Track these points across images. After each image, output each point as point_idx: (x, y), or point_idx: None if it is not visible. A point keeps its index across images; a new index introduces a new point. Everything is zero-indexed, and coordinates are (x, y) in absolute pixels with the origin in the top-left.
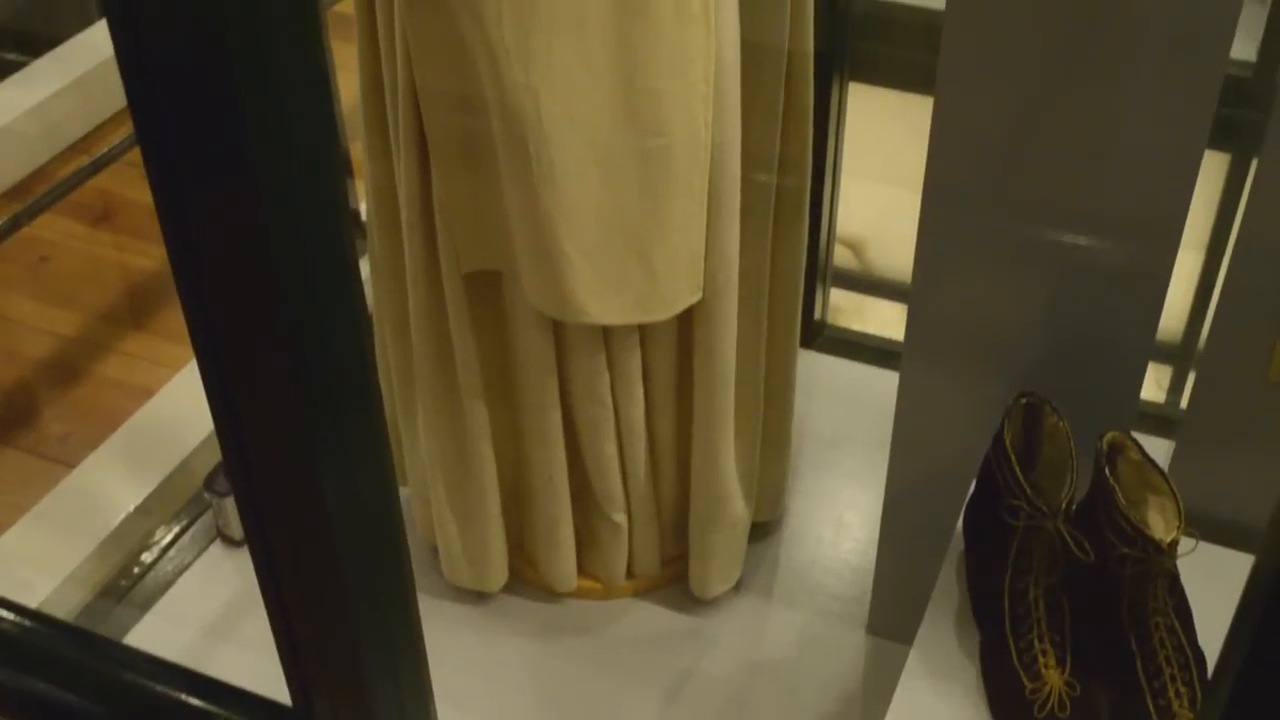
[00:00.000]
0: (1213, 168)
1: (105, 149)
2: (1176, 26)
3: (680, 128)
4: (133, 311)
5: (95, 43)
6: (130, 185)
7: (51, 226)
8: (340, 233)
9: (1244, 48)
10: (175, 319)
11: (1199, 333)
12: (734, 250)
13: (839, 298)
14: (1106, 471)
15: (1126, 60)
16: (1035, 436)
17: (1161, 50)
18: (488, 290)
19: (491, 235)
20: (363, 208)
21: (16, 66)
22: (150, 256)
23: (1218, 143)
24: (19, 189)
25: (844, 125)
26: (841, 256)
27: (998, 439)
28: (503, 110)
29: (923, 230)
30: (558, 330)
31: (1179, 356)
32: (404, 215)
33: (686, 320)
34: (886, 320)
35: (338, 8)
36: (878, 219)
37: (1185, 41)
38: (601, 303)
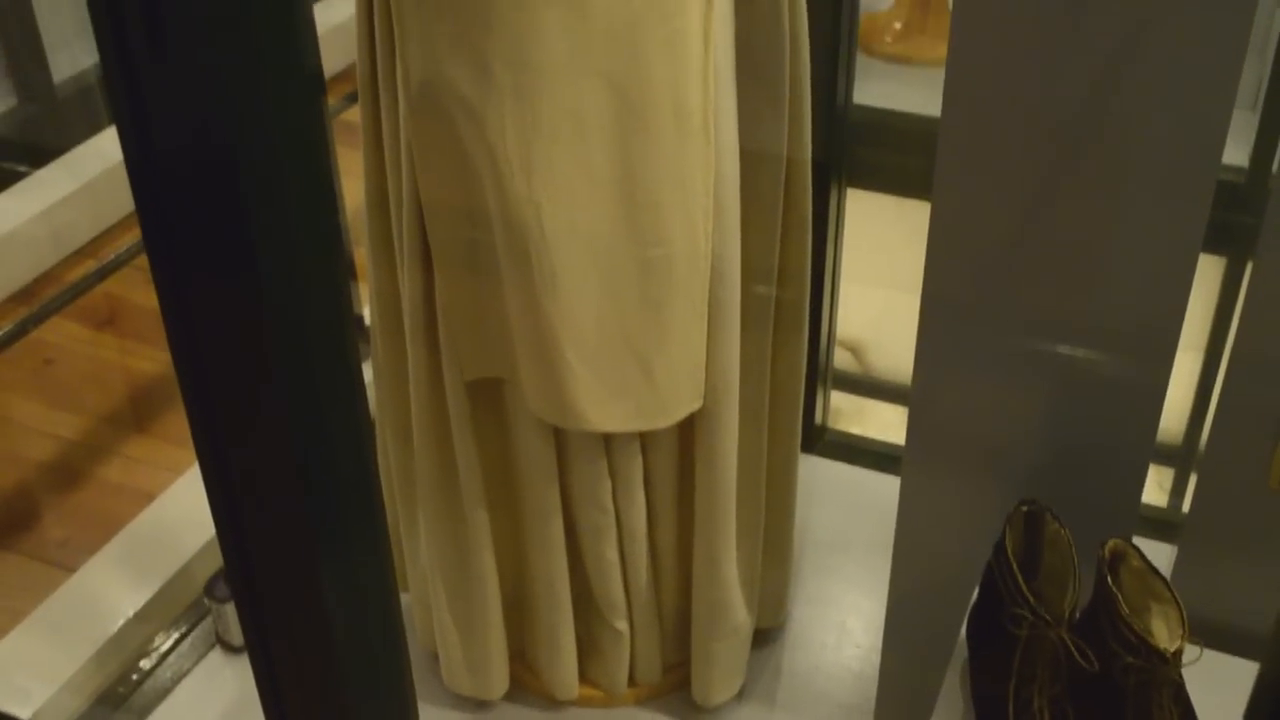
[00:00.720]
0: (1209, 271)
1: (112, 253)
2: (1169, 136)
3: (681, 238)
4: (135, 415)
5: (104, 149)
6: (135, 289)
7: (56, 329)
8: (344, 338)
9: (1236, 154)
10: (177, 422)
11: (1200, 435)
12: (735, 358)
13: (840, 400)
14: (1109, 580)
15: (1119, 169)
16: (1037, 544)
17: (1154, 159)
18: (490, 397)
19: (494, 343)
20: (366, 312)
21: (25, 177)
22: (154, 360)
23: (1214, 247)
24: (25, 292)
25: (843, 230)
26: (842, 359)
27: (999, 547)
28: (505, 221)
29: (921, 339)
30: (559, 437)
31: (1181, 458)
32: (407, 322)
33: (688, 427)
34: (888, 423)
35: (345, 115)
36: (877, 322)
37: (1177, 150)
38: (603, 410)
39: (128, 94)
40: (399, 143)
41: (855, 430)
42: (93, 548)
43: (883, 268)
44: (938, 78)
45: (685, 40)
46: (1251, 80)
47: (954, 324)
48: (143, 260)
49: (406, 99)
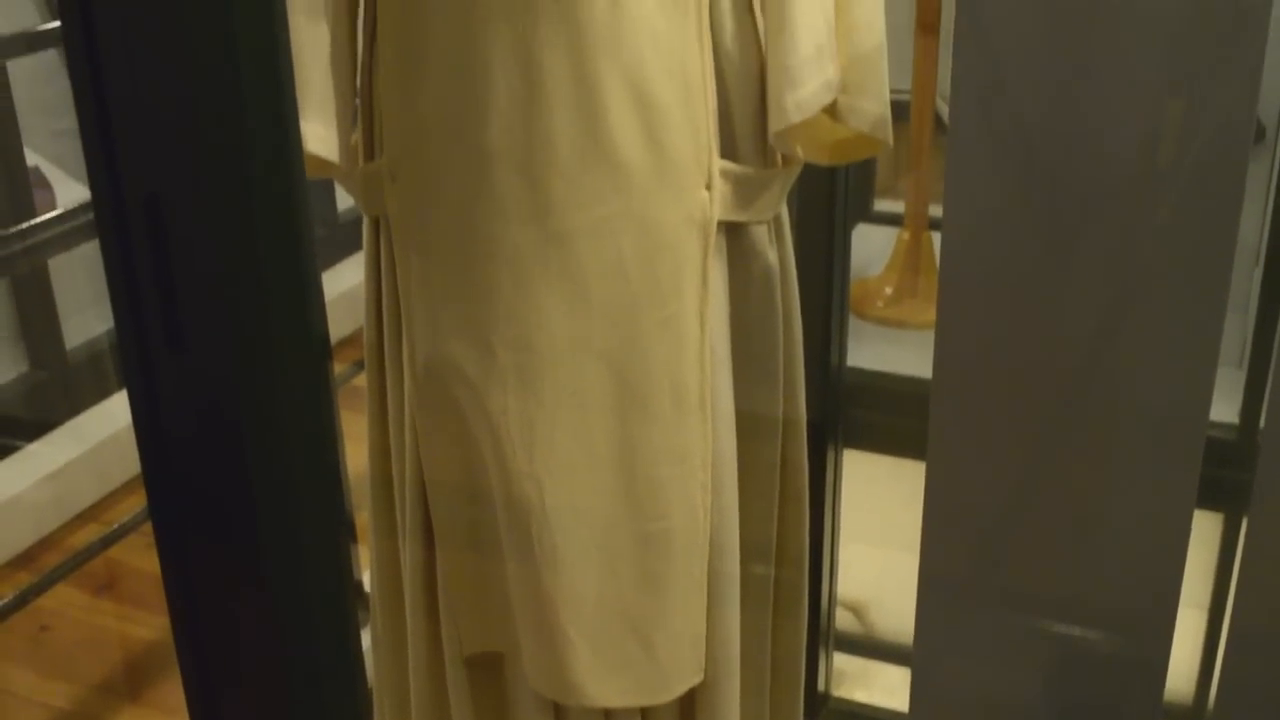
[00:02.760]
0: (1207, 528)
1: (115, 518)
2: (1155, 397)
3: (680, 513)
4: (130, 683)
5: (110, 413)
6: (135, 553)
7: (54, 595)
8: (344, 609)
9: (1226, 410)
10: (172, 692)
11: (1208, 695)
12: (735, 631)
13: (842, 662)
14: None
15: (1108, 432)
16: None
17: (1142, 420)
18: (489, 670)
19: (494, 617)
20: (366, 577)
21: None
22: (151, 627)
23: (1210, 503)
24: (25, 557)
25: (840, 491)
26: (844, 620)
27: None
28: (507, 497)
29: (921, 606)
30: (559, 712)
31: (1191, 718)
32: (407, 593)
33: (688, 700)
34: (892, 684)
35: (354, 380)
36: (878, 581)
37: (1164, 410)
38: (602, 685)
39: (142, 377)
40: (404, 415)
41: (860, 696)
42: None
43: (882, 527)
44: (930, 340)
45: (681, 323)
46: (1237, 338)
47: (952, 592)
48: (146, 527)
49: (411, 376)
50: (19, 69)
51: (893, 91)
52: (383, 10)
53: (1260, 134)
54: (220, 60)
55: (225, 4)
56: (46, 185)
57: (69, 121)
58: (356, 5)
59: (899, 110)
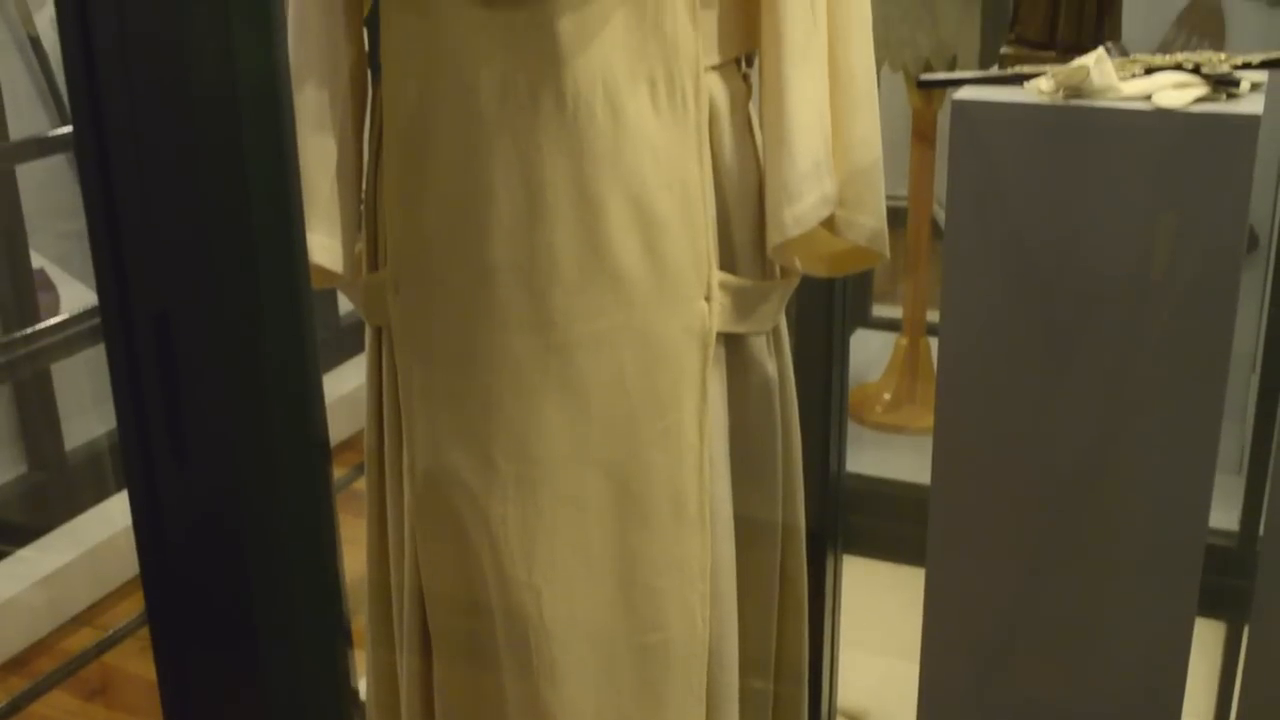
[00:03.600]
0: (1209, 636)
1: (109, 621)
2: (1154, 505)
3: (678, 623)
4: None
5: (108, 515)
6: (129, 658)
7: (47, 701)
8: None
9: (1227, 518)
10: None
11: None
12: None
13: None
14: None
15: (1108, 540)
16: None
17: (1141, 528)
18: None
19: None
20: (362, 685)
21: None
22: None
23: (1211, 611)
24: (17, 661)
25: (840, 598)
26: None
27: None
28: (505, 607)
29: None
30: None
31: None
32: (404, 705)
33: None
34: None
35: (354, 484)
36: (878, 690)
37: (1164, 519)
38: None
39: (144, 486)
40: (403, 522)
41: None
42: None
43: (882, 634)
44: (929, 446)
45: (681, 433)
46: (1235, 445)
47: (953, 701)
48: (141, 631)
49: (411, 484)
50: (28, 172)
51: (890, 197)
52: (389, 123)
53: (1254, 243)
54: (230, 178)
55: (236, 120)
56: (51, 287)
57: (75, 224)
58: (363, 118)
59: (896, 216)
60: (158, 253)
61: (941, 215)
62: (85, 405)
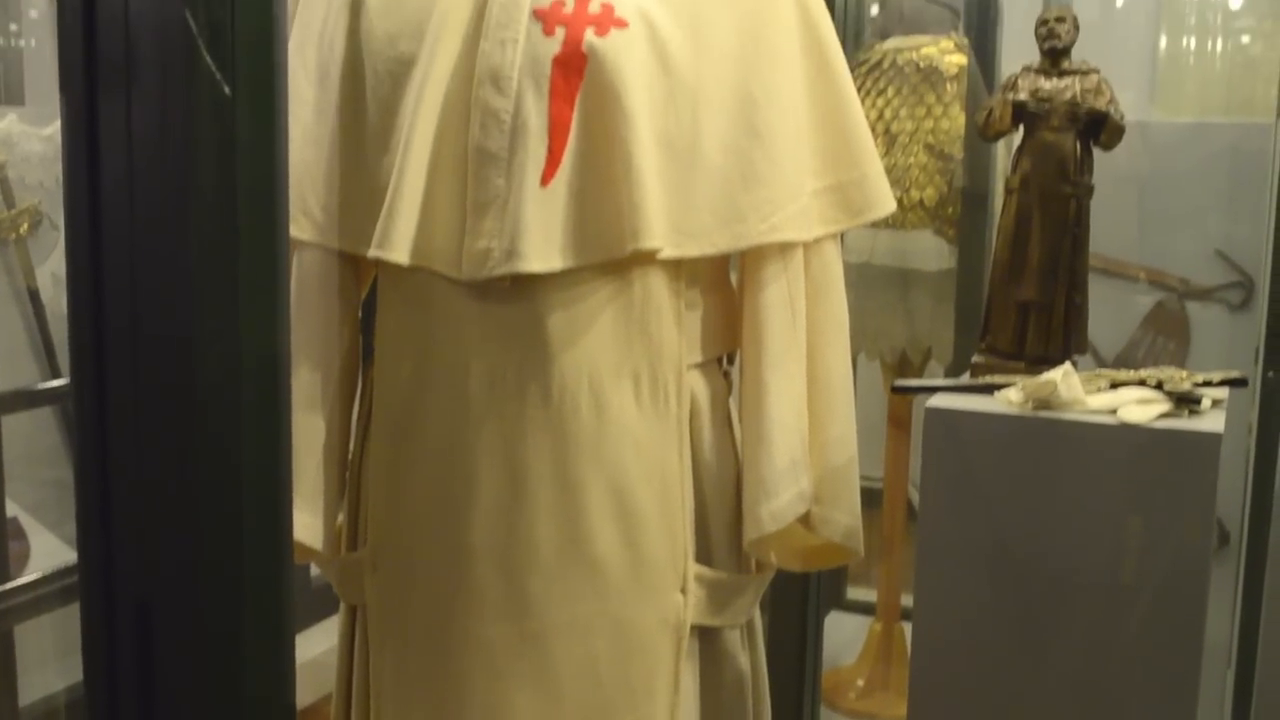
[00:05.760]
0: None
1: None
2: None
3: None
4: None
5: None
6: None
7: None
8: None
9: None
10: None
11: None
12: None
13: None
14: None
15: None
16: None
17: None
18: None
19: None
20: None
21: None
22: None
23: None
24: None
25: None
26: None
27: None
28: None
29: None
30: None
31: None
32: None
33: None
34: None
35: None
36: None
37: None
38: None
39: None
40: None
41: None
42: None
43: None
44: None
45: None
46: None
47: None
48: None
49: None
50: (12, 421)
51: (865, 478)
52: (378, 405)
53: (1224, 538)
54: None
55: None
56: (22, 536)
57: (54, 471)
58: (353, 400)
59: (871, 497)
60: (145, 546)
61: (916, 496)
62: (46, 659)
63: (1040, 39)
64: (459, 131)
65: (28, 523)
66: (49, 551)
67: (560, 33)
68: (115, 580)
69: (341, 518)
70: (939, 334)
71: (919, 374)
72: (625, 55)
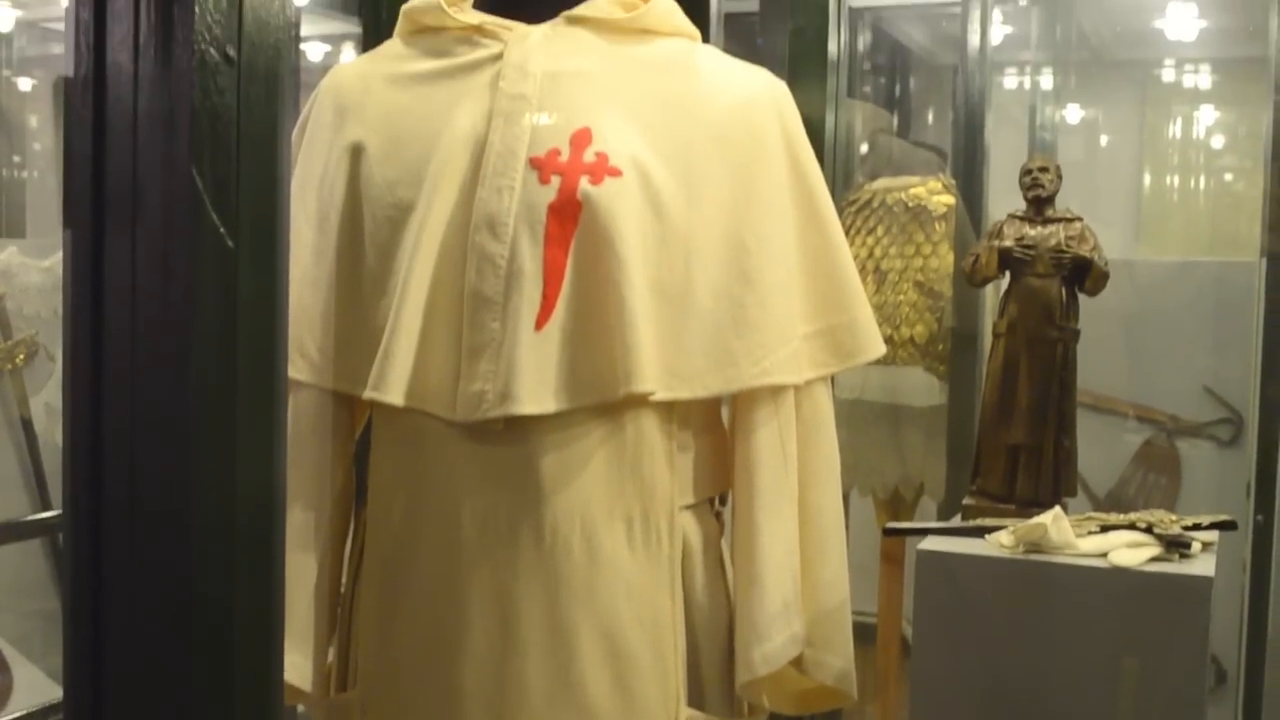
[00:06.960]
0: None
1: None
2: None
3: None
4: None
5: None
6: None
7: None
8: None
9: None
10: None
11: None
12: None
13: None
14: None
15: None
16: None
17: None
18: None
19: None
20: None
21: None
22: None
23: None
24: None
25: None
26: None
27: None
28: None
29: None
30: None
31: None
32: None
33: None
34: None
35: None
36: None
37: None
38: None
39: None
40: None
41: None
42: None
43: None
44: None
45: None
46: None
47: None
48: None
49: None
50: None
51: (858, 614)
52: (370, 546)
53: (1222, 676)
54: (217, 615)
55: (229, 557)
56: (6, 669)
57: (40, 603)
58: (345, 539)
59: (865, 632)
60: (134, 684)
61: (910, 631)
62: None
63: (1025, 188)
64: (455, 276)
65: (12, 655)
66: (33, 685)
67: (556, 181)
68: (103, 719)
69: (332, 655)
70: (931, 469)
71: (912, 510)
72: (619, 203)
